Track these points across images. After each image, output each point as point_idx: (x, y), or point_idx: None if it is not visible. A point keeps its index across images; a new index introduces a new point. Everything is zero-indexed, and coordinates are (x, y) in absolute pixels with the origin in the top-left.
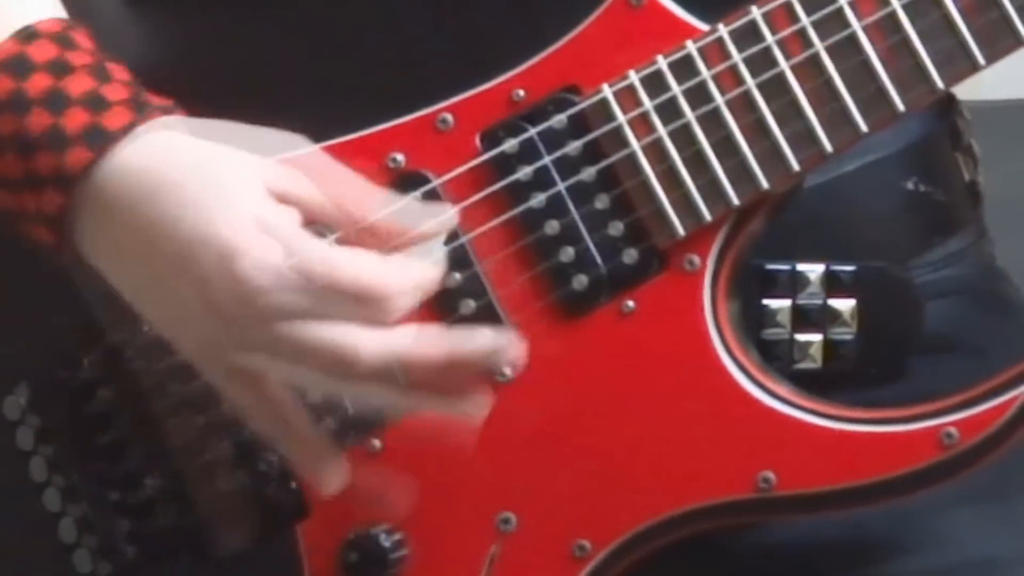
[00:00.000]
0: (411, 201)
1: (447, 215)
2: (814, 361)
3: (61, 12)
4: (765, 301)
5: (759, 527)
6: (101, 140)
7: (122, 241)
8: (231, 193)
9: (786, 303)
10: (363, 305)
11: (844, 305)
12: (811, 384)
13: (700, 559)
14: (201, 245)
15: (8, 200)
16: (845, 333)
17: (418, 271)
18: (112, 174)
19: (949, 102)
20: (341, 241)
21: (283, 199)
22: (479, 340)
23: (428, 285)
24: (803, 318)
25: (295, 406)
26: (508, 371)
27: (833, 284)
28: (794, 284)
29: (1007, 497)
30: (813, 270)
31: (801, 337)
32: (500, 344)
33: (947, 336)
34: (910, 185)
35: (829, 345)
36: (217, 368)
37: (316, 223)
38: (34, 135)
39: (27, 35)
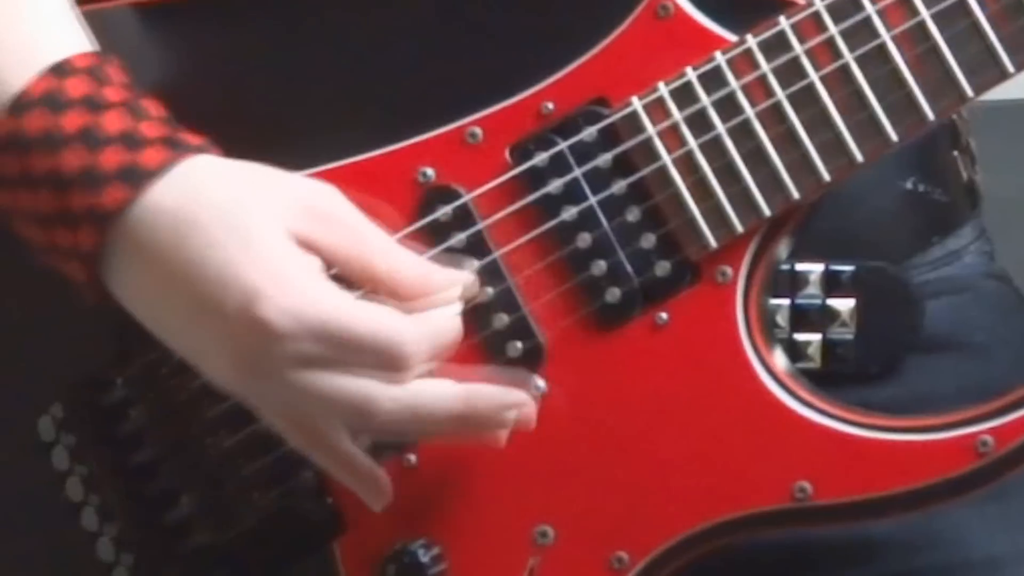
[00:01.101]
0: (432, 261)
1: (467, 277)
2: (813, 361)
3: (90, 42)
4: None
5: None
6: (137, 179)
7: (149, 280)
8: (256, 236)
9: (785, 303)
10: (380, 357)
11: (843, 305)
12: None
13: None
14: (224, 287)
15: (40, 235)
16: (844, 333)
17: (437, 328)
18: (146, 212)
19: None
20: (366, 294)
21: (307, 246)
22: (496, 396)
23: (447, 343)
24: (802, 318)
25: (330, 430)
26: (542, 384)
27: (832, 284)
28: (793, 284)
29: (1007, 497)
30: (812, 270)
31: (800, 337)
32: (517, 400)
33: (946, 336)
34: (909, 185)
35: (828, 345)
36: (248, 397)
37: (342, 273)
38: (69, 173)
39: (62, 70)
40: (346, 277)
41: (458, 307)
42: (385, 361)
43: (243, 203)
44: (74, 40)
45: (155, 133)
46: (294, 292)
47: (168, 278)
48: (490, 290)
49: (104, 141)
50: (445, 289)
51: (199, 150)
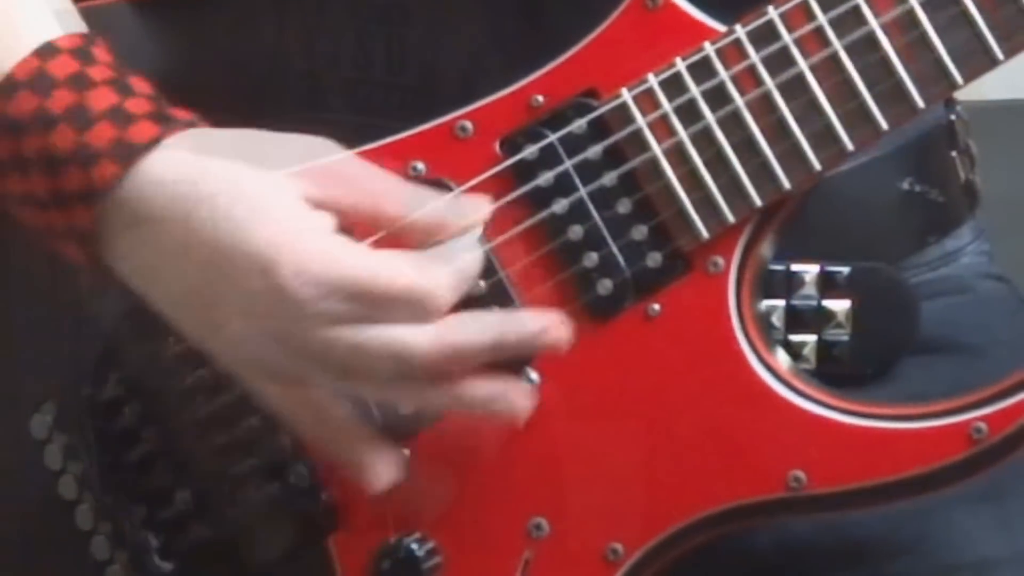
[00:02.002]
0: (446, 197)
1: (483, 208)
2: (808, 362)
3: (81, 24)
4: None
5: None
6: (128, 154)
7: (155, 256)
8: (264, 205)
9: (780, 303)
10: (408, 305)
11: (839, 306)
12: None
13: (694, 557)
14: (240, 260)
15: (37, 218)
16: (839, 334)
17: (457, 264)
18: (142, 188)
19: (946, 101)
20: (380, 242)
21: (317, 206)
22: (527, 321)
23: (469, 277)
24: (797, 319)
25: (340, 406)
26: (535, 376)
27: (828, 285)
28: (788, 285)
29: (1001, 498)
30: (808, 271)
31: (795, 338)
32: (546, 325)
33: (943, 337)
34: (906, 185)
35: (823, 346)
36: (259, 377)
37: (352, 225)
38: (59, 153)
39: (46, 52)
40: (358, 224)
41: (476, 234)
42: (415, 308)
43: (243, 170)
44: (58, 23)
45: (143, 109)
46: (311, 255)
47: (174, 254)
48: (482, 283)
49: (93, 119)
50: (459, 222)
51: (188, 124)
